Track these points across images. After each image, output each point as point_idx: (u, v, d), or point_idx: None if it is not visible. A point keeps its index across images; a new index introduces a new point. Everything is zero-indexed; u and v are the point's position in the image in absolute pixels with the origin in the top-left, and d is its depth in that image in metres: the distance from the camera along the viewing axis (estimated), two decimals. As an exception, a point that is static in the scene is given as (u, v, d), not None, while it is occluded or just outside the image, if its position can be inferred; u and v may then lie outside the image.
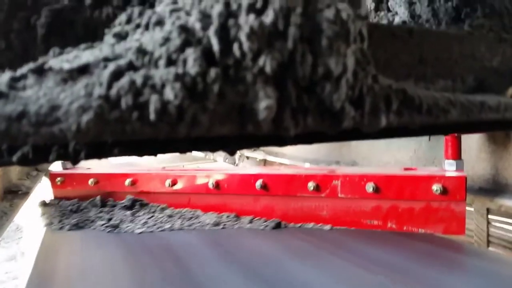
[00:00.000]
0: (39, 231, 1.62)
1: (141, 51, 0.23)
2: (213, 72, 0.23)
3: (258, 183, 1.57)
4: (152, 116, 0.22)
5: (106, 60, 0.23)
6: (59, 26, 0.26)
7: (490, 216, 1.65)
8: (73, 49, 0.25)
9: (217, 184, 1.62)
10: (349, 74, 0.26)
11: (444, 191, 1.37)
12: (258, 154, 3.30)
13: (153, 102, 0.22)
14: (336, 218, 1.50)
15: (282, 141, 0.38)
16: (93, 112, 0.21)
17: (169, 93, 0.22)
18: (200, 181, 1.65)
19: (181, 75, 0.23)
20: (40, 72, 0.22)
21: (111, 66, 0.22)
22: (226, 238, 1.42)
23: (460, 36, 0.43)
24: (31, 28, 0.26)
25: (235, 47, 0.23)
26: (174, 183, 1.66)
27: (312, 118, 0.26)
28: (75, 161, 0.29)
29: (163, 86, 0.22)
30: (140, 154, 0.32)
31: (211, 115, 0.24)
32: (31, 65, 0.22)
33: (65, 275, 1.14)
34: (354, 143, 2.38)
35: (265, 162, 3.21)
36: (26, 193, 1.64)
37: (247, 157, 3.45)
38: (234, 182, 1.62)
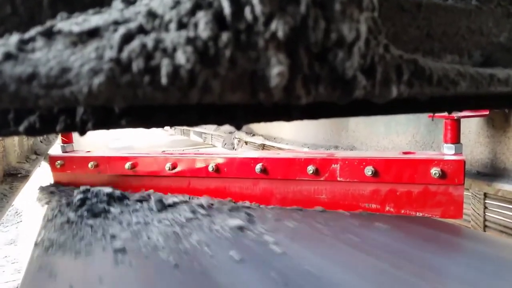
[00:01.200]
0: (38, 215, 1.62)
1: (151, 15, 0.23)
2: (225, 36, 0.23)
3: (258, 167, 1.58)
4: (163, 80, 0.22)
5: (116, 23, 0.22)
6: (66, -9, 0.26)
7: (487, 201, 1.66)
8: (80, 14, 0.24)
9: (217, 168, 1.62)
10: (362, 41, 0.26)
11: (443, 174, 1.38)
12: (257, 139, 3.30)
13: (165, 65, 0.22)
14: (335, 202, 1.51)
15: (289, 115, 0.37)
16: (104, 75, 0.20)
17: (180, 57, 0.22)
18: (200, 164, 1.65)
19: (193, 39, 0.22)
20: (49, 34, 0.22)
21: (122, 29, 0.22)
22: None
23: (468, 11, 0.43)
24: (37, -7, 0.25)
25: (247, 10, 0.23)
26: (174, 166, 1.66)
27: (324, 86, 0.26)
28: (82, 131, 0.29)
29: (174, 49, 0.22)
30: (148, 125, 0.32)
31: (222, 81, 0.23)
32: (39, 28, 0.22)
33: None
34: (353, 128, 2.38)
35: (263, 147, 3.22)
36: (25, 176, 1.64)
37: (246, 142, 3.45)
38: (234, 165, 1.62)
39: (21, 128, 0.29)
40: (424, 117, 2.10)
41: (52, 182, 1.77)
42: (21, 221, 4.07)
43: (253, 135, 3.37)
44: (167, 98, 0.22)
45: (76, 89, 0.20)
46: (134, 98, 0.21)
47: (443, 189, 1.42)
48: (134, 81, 0.21)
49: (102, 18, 0.23)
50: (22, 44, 0.21)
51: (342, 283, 0.92)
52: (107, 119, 0.29)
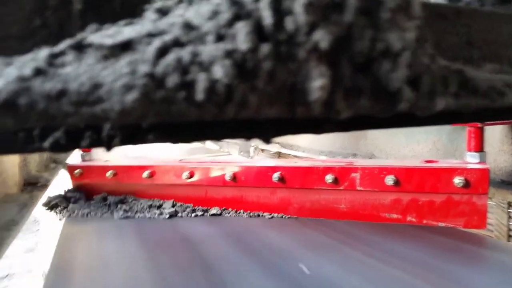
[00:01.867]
0: (56, 223, 1.63)
1: (187, 26, 0.21)
2: (265, 48, 0.21)
3: (275, 175, 1.55)
4: (199, 96, 0.20)
5: (150, 35, 0.21)
6: (96, 2, 0.25)
7: (511, 210, 1.61)
8: (111, 26, 0.23)
9: (234, 177, 1.61)
10: (409, 51, 0.24)
11: (466, 184, 1.34)
12: (273, 146, 3.28)
13: (201, 80, 0.20)
14: (354, 211, 1.48)
15: (321, 128, 0.36)
16: (138, 91, 0.19)
17: (218, 71, 0.20)
18: (217, 173, 1.64)
19: (231, 52, 0.21)
20: (80, 48, 0.20)
21: (156, 42, 0.21)
22: (241, 227, 1.41)
23: (508, 16, 0.40)
24: (67, 4, 0.24)
25: (289, 20, 0.21)
26: (191, 175, 1.65)
27: (366, 99, 0.24)
28: (108, 147, 0.28)
29: (211, 63, 0.20)
30: (176, 140, 0.30)
31: (260, 95, 0.22)
32: (69, 41, 0.21)
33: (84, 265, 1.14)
34: (372, 136, 2.35)
35: (279, 155, 3.20)
36: (44, 185, 1.65)
37: (262, 150, 3.44)
38: (251, 174, 1.60)
39: (46, 144, 0.28)
40: (445, 125, 2.06)
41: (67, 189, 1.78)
42: (39, 229, 4.12)
43: (269, 142, 3.35)
44: (202, 114, 0.21)
45: (108, 106, 0.19)
46: (168, 115, 0.20)
47: (467, 198, 1.38)
48: (168, 97, 0.20)
49: (134, 30, 0.21)
50: (52, 59, 0.20)
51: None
52: (134, 134, 0.28)
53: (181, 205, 1.64)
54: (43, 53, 0.20)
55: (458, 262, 1.07)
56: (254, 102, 0.22)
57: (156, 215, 1.57)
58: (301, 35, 0.22)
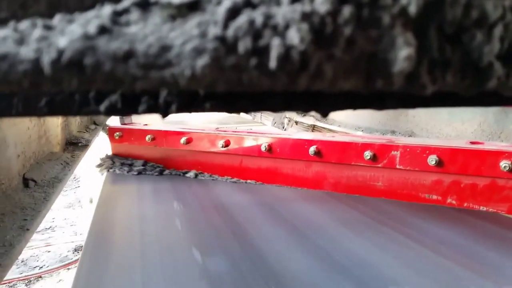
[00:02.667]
0: (94, 182, 1.69)
1: (260, -16, 0.19)
2: (346, 11, 0.19)
3: (312, 149, 1.53)
4: (272, 63, 0.18)
5: (219, -6, 0.19)
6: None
7: (559, 198, 1.53)
8: (174, -17, 0.21)
9: (270, 148, 1.60)
10: (503, 22, 0.21)
11: (513, 168, 1.27)
12: (308, 119, 3.24)
13: (275, 46, 0.18)
14: (392, 190, 1.44)
15: (383, 103, 0.33)
16: (208, 56, 0.17)
17: (293, 36, 0.18)
18: (252, 143, 1.63)
19: (309, 14, 0.19)
20: (145, 6, 0.19)
21: (227, 2, 0.19)
22: (275, 198, 1.41)
23: None
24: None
25: (374, -20, 0.19)
26: (227, 144, 1.66)
27: (453, 74, 0.21)
28: (165, 114, 0.27)
29: (286, 27, 0.18)
30: (231, 110, 0.29)
31: (336, 65, 0.20)
32: (133, -1, 0.19)
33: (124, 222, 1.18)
34: (412, 112, 2.26)
35: (313, 128, 3.15)
36: (85, 145, 1.70)
37: (296, 122, 3.40)
38: (287, 146, 1.59)
39: (102, 107, 0.27)
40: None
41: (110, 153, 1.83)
42: (79, 186, 4.33)
43: (304, 115, 3.31)
44: (274, 84, 0.19)
45: (178, 71, 0.17)
46: (238, 83, 0.18)
47: (512, 183, 1.31)
48: (239, 63, 0.18)
49: (202, -12, 0.20)
50: (116, 16, 0.18)
51: (398, 277, 0.88)
52: (191, 102, 0.27)
53: None
54: (107, 10, 0.18)
55: (499, 249, 1.03)
56: (330, 73, 0.20)
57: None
58: (387, -2, 0.19)
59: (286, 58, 0.19)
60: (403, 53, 0.19)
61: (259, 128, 2.95)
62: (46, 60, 0.17)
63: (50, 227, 3.67)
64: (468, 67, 0.22)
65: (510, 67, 0.23)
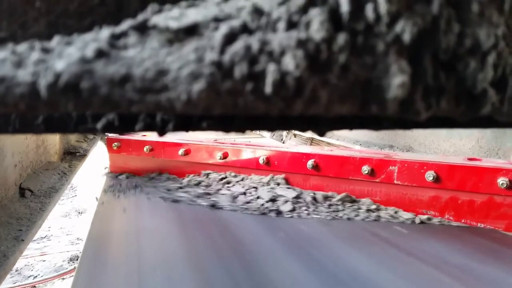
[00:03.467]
0: (92, 190, 1.68)
1: (256, 11, 0.19)
2: (341, 39, 0.19)
3: (310, 162, 1.53)
4: (268, 88, 0.19)
5: (217, 20, 0.19)
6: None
7: (557, 216, 1.52)
8: (172, 7, 0.22)
9: (268, 161, 1.60)
10: (496, 50, 0.21)
11: (511, 185, 1.28)
12: (306, 132, 3.24)
13: (271, 72, 0.18)
14: (389, 205, 1.44)
15: (379, 124, 0.33)
16: (204, 81, 0.18)
17: (289, 62, 0.19)
18: (250, 156, 1.63)
19: (304, 41, 0.19)
20: (143, 30, 0.19)
21: (223, 28, 0.19)
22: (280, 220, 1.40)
23: None
24: (128, -19, 0.23)
25: (369, 8, 0.19)
26: (225, 156, 1.66)
27: (447, 100, 0.21)
28: (162, 132, 0.27)
29: (282, 53, 0.19)
30: (228, 130, 0.29)
31: (331, 91, 0.20)
32: (131, 22, 0.19)
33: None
34: (410, 128, 2.27)
35: (312, 141, 3.15)
36: (83, 155, 1.70)
37: (295, 135, 3.41)
38: (285, 159, 1.59)
39: (99, 125, 0.27)
40: (491, 121, 1.96)
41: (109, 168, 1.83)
42: (76, 195, 4.31)
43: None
44: (269, 109, 0.19)
45: (174, 95, 0.17)
46: (234, 107, 0.19)
47: (510, 200, 1.31)
48: (235, 88, 0.18)
49: (200, 13, 0.20)
50: (114, 40, 0.19)
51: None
52: (188, 121, 0.27)
53: None
54: (104, 33, 0.19)
55: (497, 266, 1.02)
56: (325, 98, 0.20)
57: None
58: (382, 25, 0.20)
59: (281, 84, 0.19)
60: (397, 80, 0.20)
61: (258, 141, 2.96)
62: (43, 83, 0.17)
63: (46, 236, 3.65)
64: (462, 94, 0.22)
65: (504, 93, 0.23)
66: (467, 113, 0.22)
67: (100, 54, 0.18)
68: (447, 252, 1.12)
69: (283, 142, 3.35)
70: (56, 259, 3.27)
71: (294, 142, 3.28)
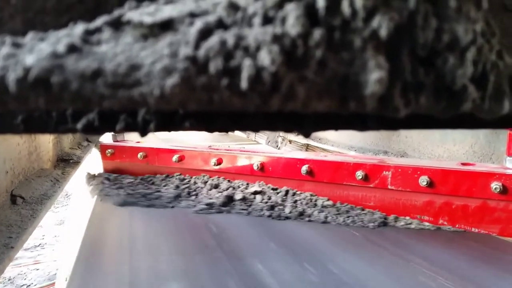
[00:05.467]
0: (87, 198, 1.67)
1: (232, 6, 0.19)
2: (317, 34, 0.19)
3: (304, 168, 1.53)
4: (243, 84, 0.18)
5: (192, 15, 0.19)
6: (135, -23, 0.23)
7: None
8: (150, 3, 0.21)
9: (262, 166, 1.59)
10: (475, 45, 0.21)
11: (504, 190, 1.28)
12: (301, 138, 3.24)
13: (246, 67, 0.18)
14: (383, 210, 1.44)
15: (364, 124, 0.33)
16: (178, 76, 0.17)
17: (264, 58, 0.18)
18: (245, 162, 1.63)
19: (279, 36, 0.19)
20: (117, 25, 0.19)
21: (198, 23, 0.19)
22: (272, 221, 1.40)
23: None
24: (106, -22, 0.23)
25: (345, 4, 0.19)
26: (219, 162, 1.65)
27: (426, 97, 0.21)
28: (143, 132, 0.27)
29: (258, 48, 0.19)
30: (211, 129, 0.29)
31: (309, 87, 0.20)
32: (106, 18, 0.19)
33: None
34: (405, 133, 2.27)
35: (307, 147, 3.16)
36: (77, 162, 1.69)
37: (290, 141, 3.41)
38: (279, 165, 1.59)
39: (79, 125, 0.27)
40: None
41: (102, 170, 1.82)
42: (69, 204, 4.26)
43: (298, 134, 3.31)
44: (245, 105, 0.19)
45: (147, 90, 0.17)
46: (209, 103, 0.18)
47: (503, 205, 1.31)
48: (211, 83, 0.18)
49: (176, 8, 0.20)
50: (88, 35, 0.18)
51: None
52: (170, 120, 0.27)
53: None
54: (78, 29, 0.18)
55: (491, 271, 1.02)
56: (302, 94, 0.20)
57: None
58: (358, 20, 0.19)
59: (257, 79, 0.19)
60: (374, 76, 0.19)
61: (252, 147, 2.95)
62: (12, 78, 0.17)
63: (40, 244, 3.61)
64: (442, 90, 0.22)
65: (485, 90, 0.23)
66: (447, 109, 0.22)
67: (72, 49, 0.18)
68: (439, 255, 1.11)
69: (278, 148, 3.35)
70: (49, 268, 3.23)
71: (289, 148, 3.29)
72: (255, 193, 1.50)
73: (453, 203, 1.36)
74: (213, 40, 0.18)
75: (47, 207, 1.26)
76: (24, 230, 1.00)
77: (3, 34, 0.19)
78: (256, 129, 0.31)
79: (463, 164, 1.43)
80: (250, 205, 1.45)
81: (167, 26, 0.19)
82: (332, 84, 0.20)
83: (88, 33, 0.18)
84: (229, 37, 0.19)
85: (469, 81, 0.22)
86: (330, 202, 1.48)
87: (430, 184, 1.36)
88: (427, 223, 1.38)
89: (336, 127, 0.33)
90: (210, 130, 0.29)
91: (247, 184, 1.60)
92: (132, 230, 1.26)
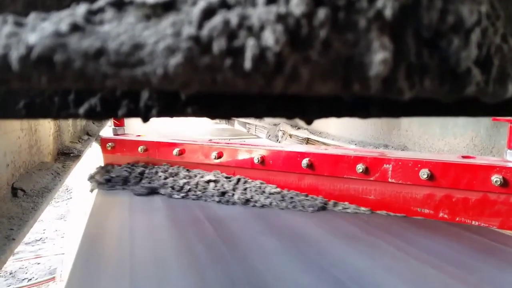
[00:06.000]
0: (87, 192, 1.67)
1: (236, -14, 0.19)
2: (321, 14, 0.19)
3: (304, 161, 1.53)
4: (247, 64, 0.18)
5: (195, -5, 0.19)
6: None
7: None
8: (153, -14, 0.21)
9: (263, 160, 1.59)
10: (480, 28, 0.21)
11: (505, 183, 1.28)
12: (302, 132, 3.25)
13: (250, 47, 0.18)
14: (384, 203, 1.44)
15: (367, 111, 0.33)
16: (181, 55, 0.17)
17: (268, 38, 0.18)
18: (245, 155, 1.63)
19: (284, 16, 0.18)
20: (120, 5, 0.19)
21: (202, 2, 0.19)
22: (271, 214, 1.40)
23: None
24: (108, -41, 0.22)
25: (350, -16, 0.19)
26: (220, 156, 1.65)
27: (431, 79, 0.21)
28: (145, 118, 0.27)
29: (261, 28, 0.18)
30: (214, 115, 0.29)
31: (313, 68, 0.20)
32: (109, -1, 0.19)
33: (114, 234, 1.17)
34: (405, 126, 2.27)
35: (308, 141, 3.16)
36: (77, 156, 1.69)
37: (290, 135, 3.41)
38: (279, 158, 1.59)
39: (81, 110, 0.27)
40: (484, 120, 1.97)
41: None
42: (71, 197, 4.28)
43: (298, 128, 3.32)
44: (249, 86, 0.19)
45: (150, 69, 0.17)
46: (212, 84, 0.18)
47: (504, 198, 1.32)
48: (214, 63, 0.18)
49: (179, -11, 0.20)
50: (91, 15, 0.18)
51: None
52: (172, 106, 0.27)
53: None
54: (81, 9, 0.18)
55: (491, 263, 1.02)
56: (306, 75, 0.20)
57: None
58: (363, 1, 0.19)
59: (261, 59, 0.18)
60: (378, 57, 0.19)
61: (253, 141, 2.95)
62: (15, 56, 0.16)
63: (41, 238, 3.62)
64: (446, 73, 0.22)
65: (489, 73, 0.23)
66: (451, 93, 0.22)
67: (75, 28, 0.17)
68: (438, 247, 1.12)
69: (279, 142, 3.36)
70: (51, 262, 3.25)
71: (289, 142, 3.29)
72: (209, 181, 1.58)
73: (454, 196, 1.36)
74: (217, 20, 0.18)
75: (47, 200, 1.26)
76: (25, 223, 1.00)
77: (5, 14, 0.19)
78: (258, 115, 0.30)
79: (464, 157, 1.43)
80: (203, 192, 1.55)
81: (170, 6, 0.19)
82: (336, 65, 0.20)
83: (91, 13, 0.18)
84: (233, 16, 0.18)
85: (473, 64, 0.22)
86: (277, 190, 1.57)
87: (431, 177, 1.36)
88: (363, 208, 1.47)
89: (338, 114, 0.33)
90: (213, 116, 0.29)
91: (204, 173, 1.66)
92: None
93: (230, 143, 1.73)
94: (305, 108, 0.32)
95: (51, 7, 0.22)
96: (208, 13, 0.18)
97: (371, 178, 1.45)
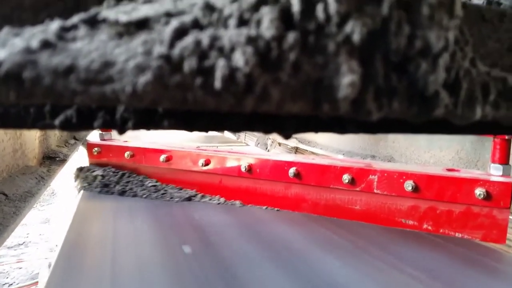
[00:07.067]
0: (73, 196, 1.65)
1: (208, 8, 0.20)
2: (291, 37, 0.19)
3: (291, 170, 1.53)
4: (217, 84, 0.19)
5: (168, 15, 0.19)
6: (115, -24, 0.23)
7: (533, 227, 1.55)
8: (129, 3, 0.22)
9: (250, 168, 1.60)
10: (448, 52, 0.22)
11: (488, 196, 1.30)
12: (291, 141, 3.26)
13: (220, 67, 0.18)
14: (369, 214, 1.45)
15: (343, 127, 0.34)
16: (151, 73, 0.17)
17: (238, 59, 0.19)
18: (233, 163, 1.63)
19: (254, 38, 0.19)
20: (93, 23, 0.19)
21: (174, 23, 0.19)
22: (252, 218, 1.40)
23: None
24: (85, -24, 0.23)
25: (319, 8, 0.20)
26: (207, 163, 1.65)
27: (399, 101, 0.22)
28: (121, 130, 0.27)
29: (232, 49, 0.19)
30: (191, 128, 0.29)
31: (283, 89, 0.20)
32: (82, 15, 0.19)
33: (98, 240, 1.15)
34: (392, 138, 2.30)
35: (296, 150, 3.17)
36: (63, 160, 1.68)
37: (279, 144, 3.42)
38: (267, 167, 1.59)
39: (57, 121, 0.27)
40: (470, 134, 2.00)
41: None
42: (55, 202, 4.23)
43: (289, 138, 3.33)
44: (219, 104, 0.19)
45: (119, 87, 0.17)
46: (183, 102, 0.18)
47: (487, 211, 1.34)
48: (184, 82, 0.18)
49: (152, 8, 0.20)
50: (63, 32, 0.18)
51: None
52: (149, 119, 0.27)
53: None
54: (54, 25, 0.19)
55: (473, 275, 1.04)
56: (276, 96, 0.20)
57: None
58: (332, 25, 0.20)
59: (231, 79, 0.19)
60: (347, 80, 0.20)
61: (241, 148, 2.96)
62: (-18, 71, 0.17)
63: (24, 242, 3.57)
64: (414, 96, 0.22)
65: (458, 96, 0.24)
66: (420, 114, 0.23)
67: (46, 45, 0.18)
68: (421, 258, 1.13)
69: (268, 151, 3.36)
70: (33, 266, 3.19)
71: (278, 151, 3.30)
72: (97, 176, 1.72)
73: (438, 208, 1.38)
74: (188, 40, 0.19)
75: (30, 204, 1.24)
76: (5, 228, 0.99)
77: (-22, 28, 0.19)
78: (235, 130, 0.31)
79: (449, 170, 1.45)
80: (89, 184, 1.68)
81: (142, 25, 0.19)
82: (306, 86, 0.21)
83: (64, 29, 0.18)
84: (204, 37, 0.19)
85: (441, 87, 0.23)
86: (158, 184, 1.72)
87: (415, 189, 1.37)
88: (222, 199, 1.65)
89: (316, 130, 0.34)
90: (189, 129, 0.29)
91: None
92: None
93: (218, 151, 1.73)
94: (282, 123, 0.32)
95: (27, 21, 0.22)
96: (180, 33, 0.19)
97: (357, 189, 1.46)
